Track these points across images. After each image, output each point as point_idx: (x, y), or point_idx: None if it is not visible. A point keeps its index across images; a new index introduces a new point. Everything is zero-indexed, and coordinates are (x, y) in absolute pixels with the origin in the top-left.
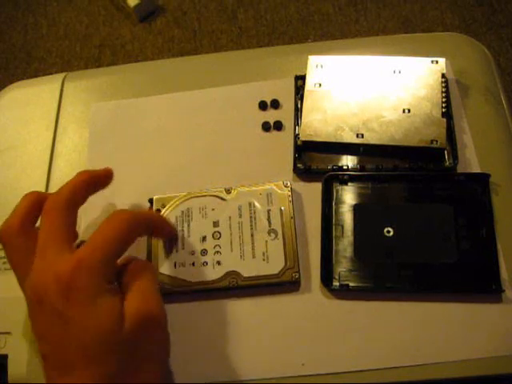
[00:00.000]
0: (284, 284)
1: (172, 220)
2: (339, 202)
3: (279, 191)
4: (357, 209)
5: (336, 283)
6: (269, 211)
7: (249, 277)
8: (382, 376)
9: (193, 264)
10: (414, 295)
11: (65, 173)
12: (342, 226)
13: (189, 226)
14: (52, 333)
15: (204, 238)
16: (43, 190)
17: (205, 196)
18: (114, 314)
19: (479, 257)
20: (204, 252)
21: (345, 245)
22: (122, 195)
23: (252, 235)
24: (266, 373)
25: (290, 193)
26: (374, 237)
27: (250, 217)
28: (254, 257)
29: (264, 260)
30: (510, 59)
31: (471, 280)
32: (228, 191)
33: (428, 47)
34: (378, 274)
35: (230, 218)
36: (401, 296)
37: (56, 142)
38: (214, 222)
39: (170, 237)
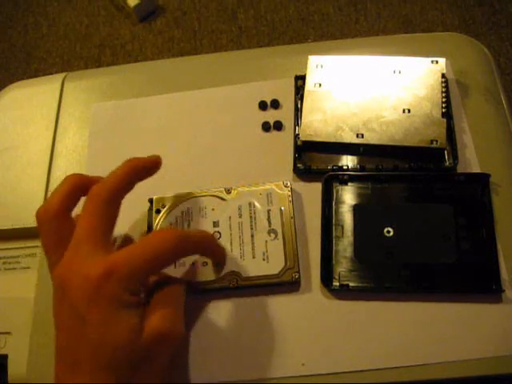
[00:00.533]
0: (284, 284)
1: (172, 220)
2: (339, 202)
3: (279, 191)
4: (357, 209)
5: (336, 283)
6: (269, 211)
7: (249, 277)
8: (382, 376)
9: (193, 264)
10: (414, 295)
11: (65, 173)
12: (342, 226)
13: (189, 226)
14: (68, 327)
15: None
16: (43, 190)
17: (205, 196)
18: (131, 327)
19: (479, 257)
20: None
21: (345, 245)
22: None
23: (252, 235)
24: (266, 373)
25: (290, 193)
26: (374, 237)
27: (250, 217)
28: (254, 257)
29: (264, 260)
30: (510, 59)
31: (471, 280)
32: (228, 191)
33: (428, 47)
34: (378, 274)
35: (230, 218)
36: (401, 296)
37: (56, 142)
38: (214, 222)
39: (218, 259)
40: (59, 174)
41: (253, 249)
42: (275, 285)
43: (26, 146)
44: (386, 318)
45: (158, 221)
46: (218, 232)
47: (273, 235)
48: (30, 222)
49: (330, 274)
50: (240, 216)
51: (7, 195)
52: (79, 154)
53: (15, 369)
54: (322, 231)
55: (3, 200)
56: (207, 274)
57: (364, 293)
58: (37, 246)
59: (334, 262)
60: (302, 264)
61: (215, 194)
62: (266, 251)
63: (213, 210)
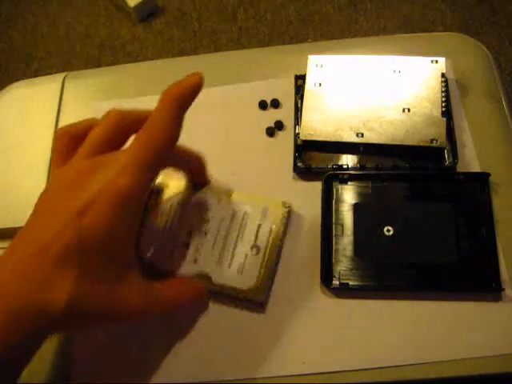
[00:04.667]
0: (247, 301)
1: (166, 207)
2: (339, 201)
3: (276, 209)
4: (357, 208)
5: (336, 282)
6: (259, 226)
7: (218, 284)
8: (382, 375)
9: (171, 253)
10: (413, 294)
11: None
12: (342, 225)
13: (180, 216)
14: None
15: (189, 233)
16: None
17: (203, 194)
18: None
19: (479, 256)
20: (185, 246)
21: (345, 244)
22: None
23: (235, 245)
24: (266, 371)
25: (286, 214)
26: (374, 236)
27: (240, 226)
28: (229, 266)
29: (238, 272)
30: (510, 59)
31: (471, 279)
32: (226, 194)
33: (428, 47)
34: (377, 272)
35: (220, 221)
36: (401, 295)
37: None
38: (205, 219)
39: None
40: None
41: (231, 258)
42: (239, 299)
43: (26, 146)
44: (385, 316)
45: (155, 198)
46: (205, 232)
47: (255, 251)
48: None
49: (330, 272)
50: (231, 220)
51: (7, 195)
52: None
53: None
54: (321, 230)
55: (3, 200)
56: (182, 268)
57: (364, 291)
58: None
59: (333, 260)
60: (302, 262)
61: (213, 194)
62: (243, 264)
63: (208, 208)
